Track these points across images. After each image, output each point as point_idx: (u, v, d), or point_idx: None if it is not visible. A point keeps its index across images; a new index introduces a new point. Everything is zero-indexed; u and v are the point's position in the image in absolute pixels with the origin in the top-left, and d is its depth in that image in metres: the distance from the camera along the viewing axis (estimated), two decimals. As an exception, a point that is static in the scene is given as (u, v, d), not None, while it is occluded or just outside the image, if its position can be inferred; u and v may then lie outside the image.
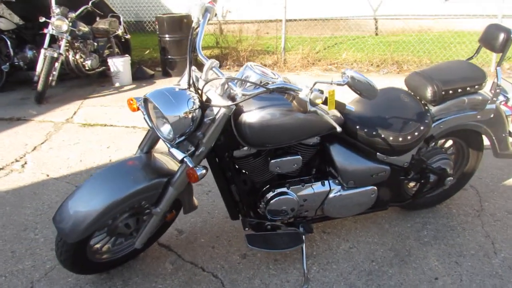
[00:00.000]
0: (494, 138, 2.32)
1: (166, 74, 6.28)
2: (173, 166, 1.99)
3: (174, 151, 1.75)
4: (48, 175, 3.24)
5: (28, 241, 2.43)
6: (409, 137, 2.04)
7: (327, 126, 1.91)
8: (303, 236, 2.12)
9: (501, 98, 2.24)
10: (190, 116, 1.67)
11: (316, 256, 2.23)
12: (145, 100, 1.75)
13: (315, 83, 1.67)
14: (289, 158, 1.97)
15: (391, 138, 2.03)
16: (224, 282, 2.07)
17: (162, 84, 5.87)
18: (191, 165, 1.72)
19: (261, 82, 1.73)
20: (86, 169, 3.35)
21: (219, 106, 1.72)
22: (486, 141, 2.42)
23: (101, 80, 6.03)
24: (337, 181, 2.13)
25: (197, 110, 1.70)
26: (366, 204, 2.20)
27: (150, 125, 1.86)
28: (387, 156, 2.11)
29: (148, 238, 2.04)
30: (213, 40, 7.03)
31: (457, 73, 2.18)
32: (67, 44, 5.20)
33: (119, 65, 5.75)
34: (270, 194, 2.05)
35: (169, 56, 6.18)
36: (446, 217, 2.53)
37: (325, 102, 1.70)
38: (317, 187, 2.10)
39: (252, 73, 1.79)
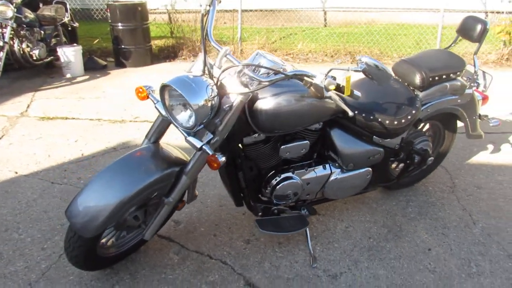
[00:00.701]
0: (468, 120, 2.55)
1: (120, 65, 6.05)
2: (182, 155, 1.98)
3: (192, 139, 1.74)
4: (16, 172, 3.03)
5: (14, 242, 2.29)
6: (403, 121, 2.19)
7: (336, 111, 2.00)
8: (307, 219, 2.19)
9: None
10: (209, 104, 1.67)
11: (317, 237, 2.32)
12: (163, 88, 1.72)
13: (330, 70, 1.74)
14: (298, 143, 2.03)
15: (387, 122, 2.16)
16: (235, 268, 2.10)
17: (117, 75, 5.65)
18: (210, 153, 1.72)
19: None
20: (57, 164, 3.18)
21: (237, 93, 1.74)
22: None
23: (48, 71, 5.67)
24: (336, 164, 2.23)
25: (215, 98, 1.70)
26: (362, 185, 2.33)
27: (164, 113, 1.82)
28: (382, 139, 2.25)
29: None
30: (167, 30, 6.87)
31: (441, 61, 2.36)
32: (12, 32, 4.83)
33: (70, 55, 5.45)
34: (276, 179, 2.10)
35: (123, 46, 5.95)
36: (425, 195, 2.74)
37: (337, 88, 1.77)
38: (319, 171, 2.19)
39: (265, 60, 1.82)
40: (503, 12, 6.32)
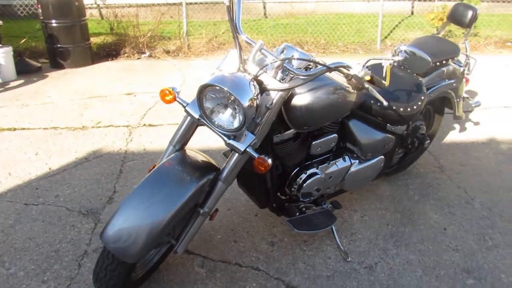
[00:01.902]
0: (456, 103, 2.69)
1: (57, 66, 5.51)
2: (209, 160, 1.84)
3: (234, 142, 1.62)
4: (-23, 197, 2.62)
5: (3, 279, 1.97)
6: (415, 107, 2.24)
7: (356, 102, 1.99)
8: (333, 213, 2.17)
9: (460, 68, 2.62)
10: (255, 102, 1.55)
11: (338, 230, 2.30)
12: (202, 89, 1.56)
13: (368, 60, 1.71)
14: (328, 137, 1.99)
15: (401, 109, 2.20)
16: (270, 273, 2.01)
17: (58, 77, 5.14)
18: (256, 155, 1.61)
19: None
20: (24, 182, 2.81)
21: (280, 89, 1.64)
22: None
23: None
24: (354, 155, 2.22)
25: (259, 95, 1.59)
26: (376, 173, 2.36)
27: (197, 116, 1.67)
28: (394, 127, 2.28)
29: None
30: (105, 26, 6.39)
31: (439, 46, 2.45)
32: None
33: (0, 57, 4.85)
34: (303, 177, 2.03)
35: (59, 45, 5.43)
36: (419, 177, 2.86)
37: (372, 79, 1.75)
38: (340, 163, 2.17)
39: (297, 53, 1.75)
40: (434, 0, 6.79)
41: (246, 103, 1.50)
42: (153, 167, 1.93)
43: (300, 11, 8.33)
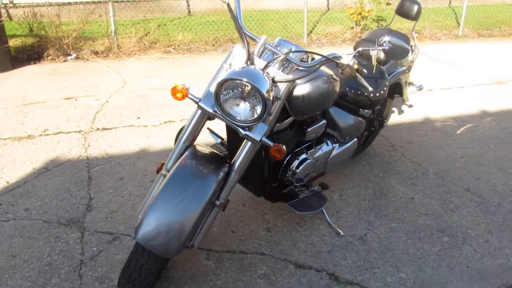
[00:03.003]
0: (404, 87, 3.04)
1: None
2: (217, 153, 1.90)
3: (250, 133, 1.71)
4: None
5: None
6: (382, 92, 2.50)
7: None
8: (322, 194, 2.35)
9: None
10: (271, 93, 1.66)
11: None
12: (221, 84, 1.62)
13: (357, 51, 1.91)
14: (319, 124, 2.15)
15: (371, 95, 2.45)
16: (276, 255, 2.13)
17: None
18: (271, 144, 1.72)
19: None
20: (-17, 199, 2.57)
21: (288, 80, 1.76)
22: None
23: None
24: (334, 139, 2.42)
25: (273, 86, 1.69)
26: (351, 155, 2.59)
27: (212, 111, 1.72)
28: (364, 111, 2.53)
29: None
30: (23, 27, 5.89)
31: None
32: None
33: None
34: (295, 163, 2.18)
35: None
36: (378, 156, 3.17)
37: (357, 68, 1.95)
38: (324, 148, 2.35)
39: (293, 46, 1.89)
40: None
41: (266, 93, 1.59)
42: (161, 166, 1.95)
43: (223, 8, 8.41)
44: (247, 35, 1.77)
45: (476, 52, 6.46)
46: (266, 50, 1.86)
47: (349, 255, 2.13)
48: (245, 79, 1.59)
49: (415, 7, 2.77)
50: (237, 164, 1.80)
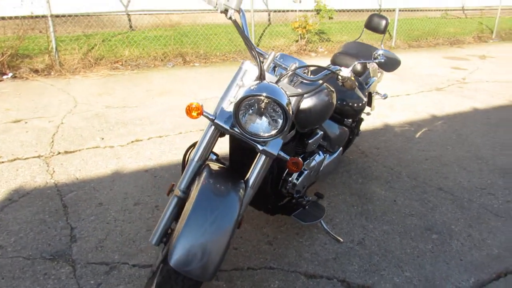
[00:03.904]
0: (373, 97, 3.22)
1: None
2: (226, 169, 1.89)
3: (268, 148, 1.72)
4: None
5: None
6: (364, 102, 2.63)
7: None
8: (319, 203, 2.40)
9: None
10: (290, 106, 1.68)
11: (317, 218, 2.55)
12: (241, 101, 1.61)
13: (354, 64, 2.01)
14: (318, 135, 2.21)
15: (355, 105, 2.57)
16: (285, 268, 2.13)
17: None
18: (287, 157, 1.74)
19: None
20: None
21: (299, 94, 1.80)
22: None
23: None
24: (324, 149, 2.50)
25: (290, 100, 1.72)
26: (339, 163, 2.68)
27: (228, 128, 1.71)
28: (347, 120, 2.64)
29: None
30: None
31: (364, 50, 2.91)
32: None
33: None
34: (295, 175, 2.21)
35: None
36: (352, 163, 3.31)
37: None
38: (317, 158, 2.41)
39: (296, 60, 1.94)
40: (296, 11, 7.61)
41: (287, 107, 1.61)
42: (172, 187, 1.88)
43: (166, 23, 8.32)
44: (257, 51, 1.78)
45: (410, 62, 7.00)
46: (271, 65, 1.87)
47: (354, 260, 2.19)
48: (264, 94, 1.59)
49: (383, 22, 2.96)
50: (251, 180, 1.78)
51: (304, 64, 1.91)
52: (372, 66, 2.04)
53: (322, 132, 2.24)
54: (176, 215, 1.77)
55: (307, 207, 2.30)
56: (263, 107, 1.66)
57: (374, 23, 3.02)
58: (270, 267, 2.13)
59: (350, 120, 2.68)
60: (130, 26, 8.06)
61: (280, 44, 7.49)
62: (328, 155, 2.47)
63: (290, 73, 1.80)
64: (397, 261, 2.20)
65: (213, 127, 1.77)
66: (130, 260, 2.18)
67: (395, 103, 4.73)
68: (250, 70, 1.81)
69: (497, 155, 3.50)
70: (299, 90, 1.81)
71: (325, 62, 6.66)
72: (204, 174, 1.70)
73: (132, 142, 3.61)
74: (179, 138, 3.70)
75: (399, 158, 3.40)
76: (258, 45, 7.29)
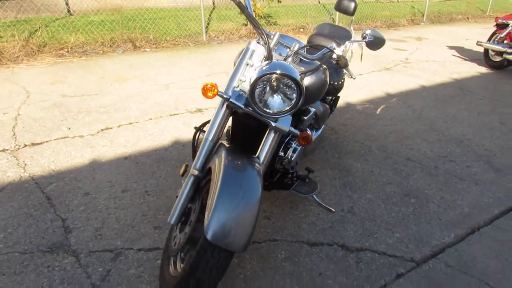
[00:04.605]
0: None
1: None
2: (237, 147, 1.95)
3: (279, 125, 1.81)
4: None
5: None
6: (342, 80, 2.79)
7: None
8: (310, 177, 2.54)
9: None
10: (302, 82, 1.77)
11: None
12: (257, 80, 1.67)
13: (349, 42, 2.14)
14: (311, 113, 2.32)
15: (336, 83, 2.72)
16: (288, 238, 2.25)
17: None
18: (298, 132, 1.85)
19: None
20: None
21: (305, 72, 1.90)
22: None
23: None
24: (311, 126, 2.63)
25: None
26: (323, 139, 2.83)
27: (243, 106, 1.76)
28: (328, 98, 2.79)
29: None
30: None
31: (336, 30, 3.05)
32: None
33: None
34: (290, 151, 2.33)
35: None
36: (326, 140, 3.49)
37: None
38: None
39: (294, 40, 2.03)
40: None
41: (301, 83, 1.70)
42: (185, 168, 1.91)
43: (107, 7, 7.96)
44: (264, 32, 1.83)
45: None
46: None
47: (348, 227, 2.36)
48: (278, 71, 1.67)
49: (352, 4, 3.11)
50: (262, 156, 1.86)
51: (303, 45, 2.00)
52: (362, 45, 2.17)
53: (314, 110, 2.36)
54: (193, 194, 1.81)
55: (306, 180, 2.42)
56: (275, 84, 1.73)
57: (344, 5, 3.16)
58: (274, 239, 2.23)
59: (330, 97, 2.82)
60: (68, 11, 7.59)
61: (229, 28, 7.49)
62: (314, 131, 2.60)
63: (295, 52, 1.88)
64: (386, 225, 2.40)
65: (225, 106, 1.81)
66: (134, 245, 2.17)
67: (352, 83, 4.99)
68: (257, 49, 1.86)
69: (449, 127, 3.87)
70: (302, 68, 1.91)
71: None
72: (222, 152, 1.75)
73: (102, 130, 3.50)
74: (150, 124, 3.64)
75: (366, 133, 3.63)
76: (207, 30, 7.24)
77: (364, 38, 2.19)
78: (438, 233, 2.34)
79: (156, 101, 4.18)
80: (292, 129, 1.81)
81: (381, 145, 3.40)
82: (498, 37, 5.73)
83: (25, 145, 3.18)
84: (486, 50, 6.01)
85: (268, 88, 1.73)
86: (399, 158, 3.20)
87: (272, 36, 1.89)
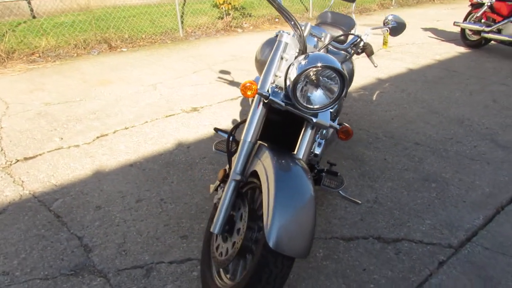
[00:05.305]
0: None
1: None
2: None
3: (320, 120, 1.73)
4: None
5: None
6: (354, 69, 2.73)
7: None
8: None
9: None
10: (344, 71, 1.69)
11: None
12: (299, 76, 1.58)
13: (371, 29, 2.08)
14: (337, 105, 2.25)
15: (350, 73, 2.65)
16: (322, 236, 2.18)
17: None
18: (338, 126, 1.78)
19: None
20: None
21: (343, 61, 1.83)
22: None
23: None
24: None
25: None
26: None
27: (283, 104, 1.67)
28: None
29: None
30: None
31: (339, 18, 2.98)
32: None
33: None
34: (315, 145, 2.26)
35: None
36: (330, 130, 3.43)
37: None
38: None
39: (321, 30, 1.96)
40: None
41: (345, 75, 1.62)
42: (224, 172, 1.80)
43: (74, 7, 7.59)
44: (298, 23, 1.73)
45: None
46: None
47: (379, 218, 2.32)
48: (319, 64, 1.58)
49: (352, -9, 3.06)
50: (301, 153, 1.78)
51: (336, 35, 1.92)
52: (385, 31, 2.11)
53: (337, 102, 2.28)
54: (234, 199, 1.71)
55: (338, 174, 2.34)
56: (314, 78, 1.64)
57: (344, -8, 3.10)
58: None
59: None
60: (32, 11, 7.18)
61: (204, 22, 7.30)
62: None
63: (328, 42, 1.80)
64: (415, 212, 2.37)
65: (261, 105, 1.71)
66: (164, 258, 2.04)
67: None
68: (291, 41, 1.76)
69: (447, 108, 3.91)
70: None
71: (252, 38, 6.67)
72: (265, 153, 1.65)
73: (98, 138, 3.30)
74: (147, 127, 3.47)
75: (369, 120, 3.61)
76: (182, 25, 7.03)
77: (386, 24, 2.13)
78: (467, 216, 2.34)
79: (147, 103, 4.00)
80: (332, 123, 1.73)
81: (387, 132, 3.39)
82: (474, 17, 5.85)
83: (17, 160, 2.95)
84: (463, 30, 6.12)
85: (308, 82, 1.63)
86: (408, 143, 3.19)
87: (303, 27, 1.80)
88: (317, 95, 1.65)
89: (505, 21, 5.36)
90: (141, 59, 5.56)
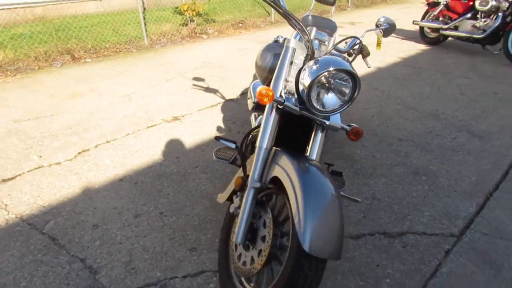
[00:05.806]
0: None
1: None
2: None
3: (333, 122, 1.76)
4: None
5: None
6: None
7: None
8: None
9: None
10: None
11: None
12: (314, 81, 1.59)
13: (366, 31, 2.14)
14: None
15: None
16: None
17: None
18: (348, 128, 1.81)
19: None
20: None
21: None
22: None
23: None
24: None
25: None
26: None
27: (298, 109, 1.68)
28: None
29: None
30: None
31: (321, 21, 3.03)
32: None
33: None
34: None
35: None
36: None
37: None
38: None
39: (322, 33, 2.00)
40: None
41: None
42: (241, 181, 1.77)
43: (28, 18, 7.24)
44: (305, 29, 1.75)
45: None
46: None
47: (380, 214, 2.38)
48: (331, 68, 1.61)
49: (332, -5, 3.13)
50: (314, 155, 1.80)
51: (342, 39, 1.96)
52: (378, 33, 2.17)
53: (339, 103, 2.32)
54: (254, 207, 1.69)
55: (343, 175, 2.37)
56: (326, 82, 1.66)
57: (324, -4, 3.16)
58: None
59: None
60: (-17, 26, 6.75)
61: (169, 29, 7.19)
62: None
63: (334, 46, 1.83)
64: (413, 205, 2.46)
65: (274, 111, 1.71)
66: (176, 273, 1.99)
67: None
68: (298, 47, 1.78)
69: (420, 103, 4.07)
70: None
71: (218, 43, 6.62)
72: (282, 158, 1.65)
73: (80, 153, 3.17)
74: (130, 140, 3.37)
75: (350, 119, 3.69)
76: (146, 33, 6.88)
77: (379, 26, 2.19)
78: (461, 204, 2.45)
79: (125, 114, 3.88)
80: (343, 125, 1.76)
81: (370, 129, 3.48)
82: (432, 15, 6.15)
83: (-4, 183, 2.77)
84: (422, 28, 6.41)
85: (319, 86, 1.65)
86: (391, 140, 3.30)
87: (308, 32, 1.81)
88: (330, 98, 1.67)
89: (461, 18, 5.67)
90: (107, 69, 5.39)
